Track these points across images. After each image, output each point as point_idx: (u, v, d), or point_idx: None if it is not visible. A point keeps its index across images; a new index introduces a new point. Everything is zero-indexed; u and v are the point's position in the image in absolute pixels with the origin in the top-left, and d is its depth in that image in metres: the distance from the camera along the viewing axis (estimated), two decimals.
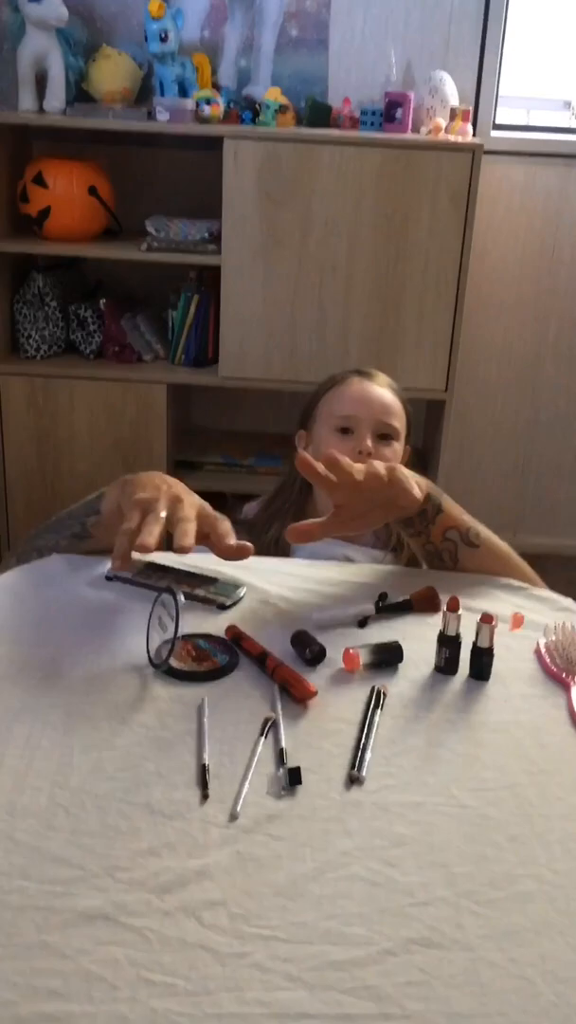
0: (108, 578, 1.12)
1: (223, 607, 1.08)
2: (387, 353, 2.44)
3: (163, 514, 1.02)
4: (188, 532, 1.00)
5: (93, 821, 0.75)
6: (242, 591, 1.11)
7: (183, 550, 0.98)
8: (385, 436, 1.47)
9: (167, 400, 2.51)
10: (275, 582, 1.16)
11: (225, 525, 1.08)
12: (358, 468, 1.08)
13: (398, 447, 1.49)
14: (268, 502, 1.58)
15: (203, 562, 1.16)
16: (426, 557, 1.22)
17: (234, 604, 1.09)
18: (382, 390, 1.50)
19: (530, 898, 0.70)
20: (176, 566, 1.16)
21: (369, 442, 1.44)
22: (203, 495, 1.28)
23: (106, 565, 1.15)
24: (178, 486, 1.11)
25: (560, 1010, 0.62)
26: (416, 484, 1.15)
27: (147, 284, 2.66)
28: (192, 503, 1.08)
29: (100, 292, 2.63)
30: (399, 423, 1.49)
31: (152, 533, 0.98)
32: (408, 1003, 0.61)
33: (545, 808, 0.80)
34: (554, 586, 1.22)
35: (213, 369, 2.52)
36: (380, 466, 1.10)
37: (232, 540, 1.08)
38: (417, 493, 1.13)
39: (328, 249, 2.36)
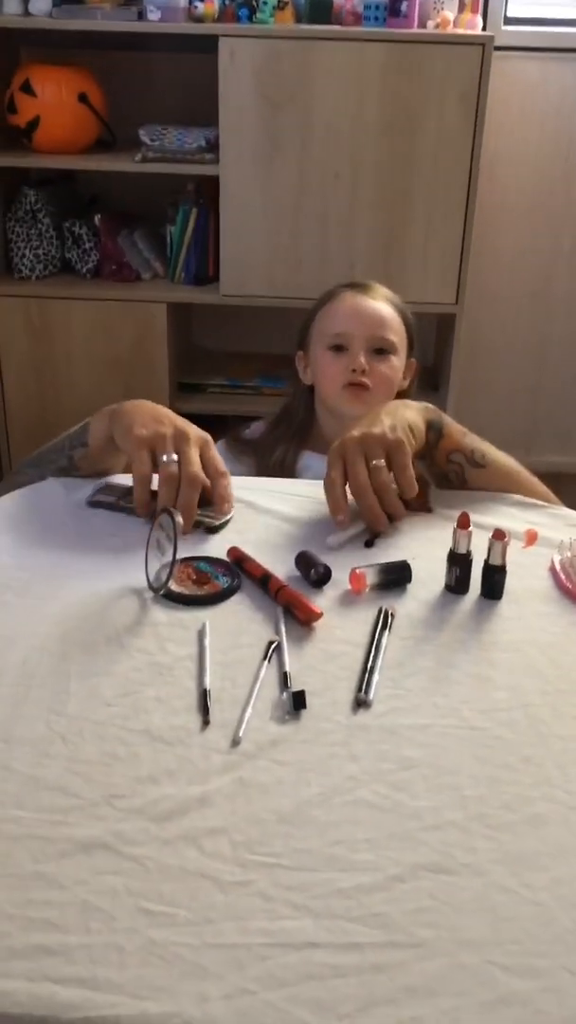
0: (89, 504, 1.08)
1: (212, 529, 1.04)
2: (395, 265, 2.35)
3: (175, 457, 1.01)
4: (191, 503, 1.01)
5: (91, 749, 0.72)
6: (230, 515, 1.07)
7: (184, 527, 0.97)
8: (381, 351, 1.42)
9: (167, 320, 2.43)
10: (280, 502, 1.12)
11: (225, 483, 1.06)
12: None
13: (396, 361, 1.43)
14: (274, 424, 1.54)
15: None
16: (434, 479, 1.18)
17: (223, 525, 1.05)
18: (376, 303, 1.44)
19: (544, 821, 0.68)
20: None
21: (363, 358, 1.39)
22: (206, 418, 1.24)
23: (97, 488, 1.11)
24: (177, 418, 1.08)
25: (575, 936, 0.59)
26: (415, 411, 1.12)
27: (143, 198, 2.56)
28: (198, 439, 1.05)
29: (95, 207, 2.54)
30: (396, 336, 1.43)
31: (187, 508, 1.00)
32: (417, 930, 0.59)
33: (560, 728, 0.77)
34: (567, 504, 1.18)
35: (214, 287, 2.43)
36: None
37: (226, 505, 1.07)
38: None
39: (331, 154, 2.25)
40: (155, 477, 1.03)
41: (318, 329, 1.46)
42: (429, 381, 2.62)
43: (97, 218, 2.45)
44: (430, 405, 1.17)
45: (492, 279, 2.74)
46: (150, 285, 2.50)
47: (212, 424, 1.50)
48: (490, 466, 1.16)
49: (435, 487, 1.18)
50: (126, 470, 1.14)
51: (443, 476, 1.16)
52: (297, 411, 1.51)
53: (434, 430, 1.14)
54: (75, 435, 1.15)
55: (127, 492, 1.09)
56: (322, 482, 1.15)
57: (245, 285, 2.39)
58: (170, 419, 1.07)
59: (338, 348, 1.42)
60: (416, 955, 0.57)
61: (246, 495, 1.13)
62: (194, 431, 1.06)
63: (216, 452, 1.08)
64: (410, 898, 0.61)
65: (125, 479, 1.13)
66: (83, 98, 2.31)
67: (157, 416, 1.06)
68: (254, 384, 2.60)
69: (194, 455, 1.03)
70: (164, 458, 1.01)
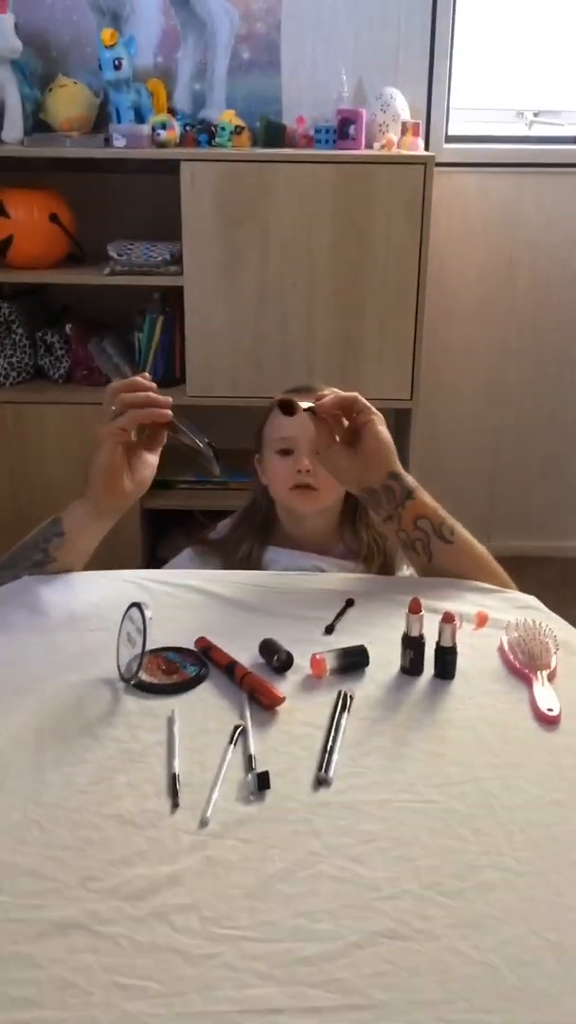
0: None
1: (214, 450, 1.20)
2: (351, 365, 2.47)
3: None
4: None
5: (66, 834, 0.76)
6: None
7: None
8: None
9: None
10: (244, 592, 1.18)
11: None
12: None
13: None
14: (238, 523, 1.61)
15: (178, 580, 1.18)
16: (402, 546, 1.24)
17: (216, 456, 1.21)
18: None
19: (493, 887, 0.72)
20: (152, 587, 1.18)
21: (306, 460, 1.47)
22: (176, 513, 1.32)
23: (79, 582, 1.17)
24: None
25: (523, 993, 0.64)
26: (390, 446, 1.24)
27: (112, 307, 2.68)
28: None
29: (66, 317, 2.65)
30: None
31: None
32: (374, 993, 0.63)
33: (508, 799, 0.82)
34: (527, 588, 1.23)
35: (181, 388, 2.54)
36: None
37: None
38: (383, 448, 1.23)
39: (288, 266, 2.39)
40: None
41: (267, 435, 1.54)
42: None
43: (68, 327, 2.56)
44: (404, 476, 1.24)
45: (445, 374, 2.88)
46: None
47: (179, 520, 1.55)
48: (457, 544, 1.21)
49: (406, 559, 1.24)
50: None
51: (410, 544, 1.22)
52: (259, 509, 1.58)
53: (402, 486, 1.21)
54: (46, 529, 1.21)
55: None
56: (284, 575, 1.23)
57: (210, 386, 2.50)
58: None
59: (285, 452, 1.49)
60: (373, 1016, 0.61)
61: (212, 587, 1.19)
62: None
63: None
64: (368, 963, 0.65)
65: (112, 579, 1.19)
66: (54, 218, 2.45)
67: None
68: (221, 479, 2.68)
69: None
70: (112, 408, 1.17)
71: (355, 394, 1.23)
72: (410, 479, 1.24)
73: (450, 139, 2.73)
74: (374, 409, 1.23)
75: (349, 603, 1.15)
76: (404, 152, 2.43)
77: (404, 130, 2.47)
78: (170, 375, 2.57)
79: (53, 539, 1.20)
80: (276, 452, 1.50)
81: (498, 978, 0.64)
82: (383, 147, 2.43)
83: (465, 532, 1.23)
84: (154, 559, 2.28)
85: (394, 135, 2.45)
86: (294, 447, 1.48)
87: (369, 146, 2.48)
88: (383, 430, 1.23)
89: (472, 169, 2.71)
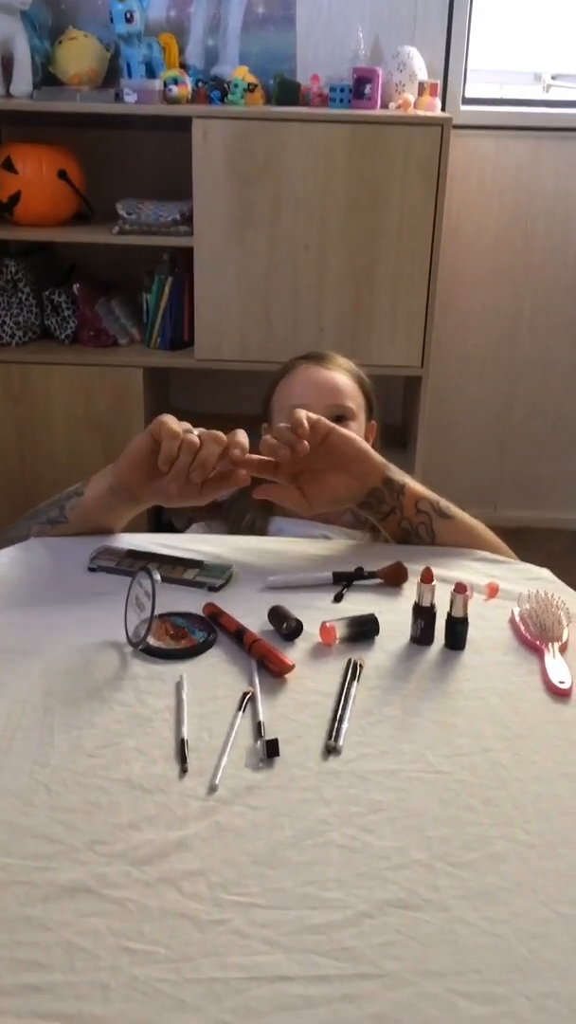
0: (91, 569, 1.13)
1: (214, 589, 1.09)
2: (362, 330, 2.45)
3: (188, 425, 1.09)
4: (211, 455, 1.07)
5: (73, 797, 0.76)
6: (230, 571, 1.12)
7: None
8: (339, 418, 1.46)
9: (144, 383, 2.50)
10: (253, 558, 1.17)
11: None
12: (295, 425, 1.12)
13: (355, 426, 1.49)
14: (242, 490, 1.59)
15: (185, 544, 1.17)
16: (403, 536, 1.23)
17: (224, 585, 1.10)
18: (330, 372, 1.49)
19: (503, 858, 0.72)
20: (160, 551, 1.16)
21: None
22: None
23: (87, 548, 1.15)
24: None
25: (532, 965, 0.63)
26: (372, 458, 1.18)
27: (120, 267, 2.65)
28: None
29: (73, 277, 2.62)
30: (353, 403, 1.48)
31: (208, 458, 1.06)
32: (384, 963, 0.63)
33: (518, 771, 0.81)
34: (534, 559, 1.23)
35: (189, 351, 2.51)
36: (308, 421, 1.13)
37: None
38: (375, 459, 1.17)
39: (300, 227, 2.36)
40: (143, 538, 1.08)
41: (278, 402, 1.51)
42: (397, 440, 2.70)
43: (76, 287, 2.53)
44: (391, 465, 1.22)
45: (457, 341, 2.85)
46: (127, 350, 2.58)
47: None
48: (456, 518, 1.21)
49: (406, 543, 1.23)
50: (101, 530, 1.19)
51: (413, 531, 1.21)
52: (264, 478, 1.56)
53: (396, 482, 1.20)
54: (71, 489, 1.20)
55: (125, 556, 1.14)
56: (293, 541, 1.21)
57: (219, 350, 2.47)
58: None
59: None
60: (383, 985, 0.61)
61: (221, 552, 1.18)
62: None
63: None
64: (377, 933, 0.65)
65: (120, 543, 1.17)
66: (62, 174, 2.41)
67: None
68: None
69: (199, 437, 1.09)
70: (181, 431, 1.08)
71: (298, 416, 1.13)
72: (398, 472, 1.22)
73: (467, 101, 2.68)
74: (325, 420, 1.16)
75: (359, 571, 1.14)
76: (421, 113, 2.38)
77: (421, 90, 2.42)
78: (178, 338, 2.55)
79: (72, 498, 1.19)
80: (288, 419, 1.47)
81: (508, 950, 0.64)
82: (399, 107, 2.39)
83: (456, 508, 1.23)
84: (160, 524, 2.27)
85: (411, 95, 2.40)
86: None
87: (385, 106, 2.43)
88: (347, 432, 1.18)
89: (488, 132, 2.66)
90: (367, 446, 1.20)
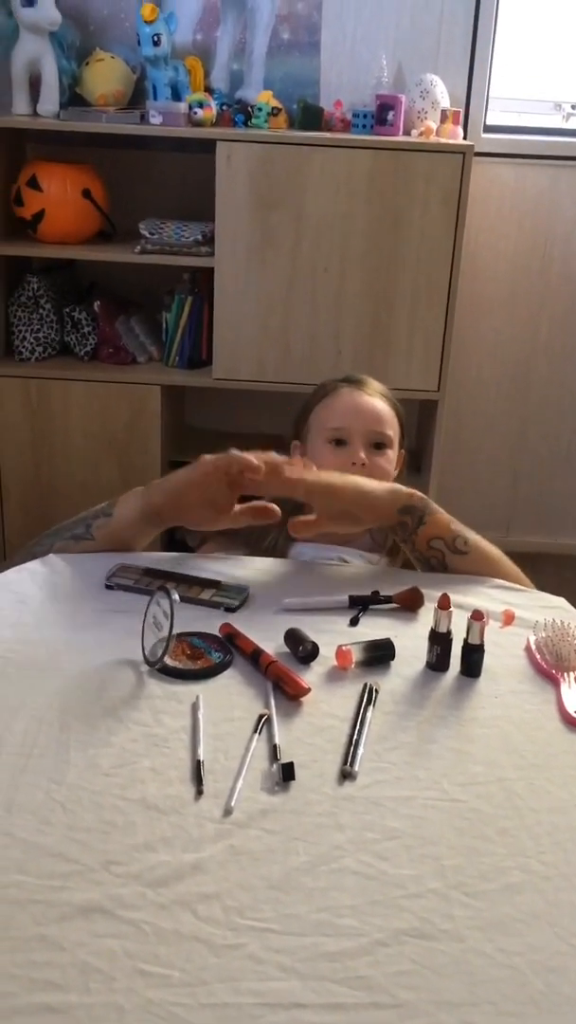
0: (108, 587, 1.13)
1: (230, 609, 1.09)
2: (379, 354, 2.46)
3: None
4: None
5: (89, 816, 0.76)
6: (246, 592, 1.12)
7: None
8: (379, 444, 1.47)
9: (161, 401, 2.52)
10: (270, 580, 1.18)
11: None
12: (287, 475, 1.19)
13: (392, 454, 1.49)
14: None
15: (203, 564, 1.18)
16: (417, 562, 1.24)
17: (241, 605, 1.10)
18: (373, 399, 1.49)
19: (519, 889, 0.72)
20: (177, 571, 1.17)
21: (362, 453, 1.44)
22: None
23: (105, 565, 1.16)
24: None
25: (548, 999, 0.63)
26: (373, 498, 1.21)
27: (141, 286, 2.67)
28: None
29: (94, 294, 2.64)
30: (392, 431, 1.48)
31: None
32: (399, 992, 0.62)
33: (534, 801, 0.81)
34: (546, 585, 1.23)
35: (207, 370, 2.53)
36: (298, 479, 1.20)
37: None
38: (379, 496, 1.20)
39: (320, 251, 2.37)
40: (159, 556, 1.08)
41: (317, 422, 1.50)
42: (412, 464, 2.70)
43: (96, 304, 2.55)
44: (418, 493, 1.23)
45: (473, 366, 2.85)
46: (145, 368, 2.59)
47: None
48: (472, 553, 1.21)
49: (421, 571, 1.24)
50: (127, 547, 1.20)
51: (425, 561, 1.22)
52: (289, 499, 1.56)
53: (414, 517, 1.20)
54: (99, 508, 1.22)
55: (142, 574, 1.14)
56: (310, 564, 1.22)
57: (237, 369, 2.48)
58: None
59: (338, 442, 1.45)
60: (398, 1015, 0.61)
61: (239, 572, 1.18)
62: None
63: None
64: (392, 961, 0.65)
65: (138, 561, 1.18)
66: (86, 193, 2.44)
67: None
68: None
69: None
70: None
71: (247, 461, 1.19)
72: (421, 503, 1.22)
73: (488, 129, 2.70)
74: (294, 473, 1.21)
75: (375, 595, 1.14)
76: (443, 140, 2.40)
77: (443, 118, 2.44)
78: (196, 357, 2.56)
79: (100, 517, 1.20)
80: (328, 441, 1.46)
81: (524, 982, 0.64)
82: (421, 134, 2.40)
83: (477, 539, 1.24)
84: (173, 541, 2.27)
85: (433, 122, 2.42)
86: (348, 438, 1.44)
87: (407, 133, 2.45)
88: (332, 483, 1.22)
89: (509, 160, 2.68)
90: (368, 489, 1.21)
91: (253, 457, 1.16)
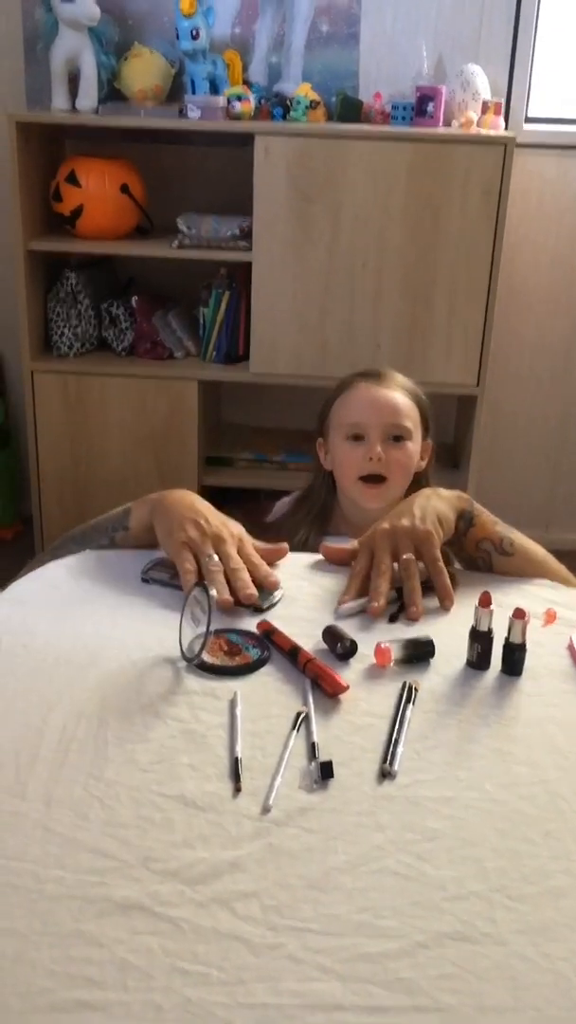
0: (144, 580, 1.13)
1: (260, 610, 1.08)
2: (418, 348, 2.43)
3: (215, 558, 1.08)
4: (247, 583, 1.07)
5: (127, 813, 0.76)
6: (279, 594, 1.11)
7: (249, 598, 1.06)
8: (397, 438, 1.46)
9: (198, 397, 2.52)
10: (306, 578, 1.17)
11: (263, 571, 1.12)
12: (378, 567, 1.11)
13: (411, 446, 1.47)
14: (296, 507, 1.58)
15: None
16: (462, 562, 1.22)
17: (272, 607, 1.09)
18: (390, 392, 1.48)
19: (563, 893, 0.70)
20: None
21: (379, 448, 1.43)
22: (235, 492, 1.30)
23: (141, 560, 1.16)
24: (213, 515, 1.14)
25: None
26: (445, 501, 1.18)
27: (178, 281, 2.68)
28: (233, 538, 1.12)
29: (132, 289, 2.65)
30: (410, 423, 1.47)
31: (226, 589, 1.06)
32: (441, 996, 0.61)
33: None
34: None
35: (244, 365, 2.52)
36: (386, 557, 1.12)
37: (272, 578, 1.12)
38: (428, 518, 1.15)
39: (359, 245, 2.36)
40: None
41: (335, 419, 1.50)
42: (450, 459, 2.67)
43: (134, 299, 2.56)
44: (463, 494, 1.22)
45: (513, 361, 2.82)
46: (182, 363, 2.60)
47: (239, 497, 1.51)
48: (518, 554, 1.20)
49: (463, 570, 1.22)
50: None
51: (471, 562, 1.21)
52: (319, 495, 1.55)
53: (464, 519, 1.19)
54: (116, 518, 1.21)
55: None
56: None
57: (274, 365, 2.48)
58: (206, 516, 1.13)
59: (356, 437, 1.45)
60: (440, 1020, 0.60)
61: (276, 571, 1.17)
62: (229, 529, 1.13)
63: (251, 547, 1.14)
64: (434, 964, 0.64)
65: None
66: (124, 189, 2.44)
67: (195, 514, 1.12)
68: (280, 459, 2.66)
69: (232, 552, 1.10)
70: (205, 560, 1.07)
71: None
72: (467, 503, 1.21)
73: (530, 120, 2.66)
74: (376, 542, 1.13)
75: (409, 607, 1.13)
76: (484, 131, 2.37)
77: (485, 109, 2.41)
78: (233, 352, 2.56)
79: (120, 531, 1.20)
80: (346, 437, 1.47)
81: (569, 988, 0.62)
82: (462, 126, 2.38)
83: (524, 539, 1.22)
84: None
85: (474, 113, 2.39)
86: (365, 433, 1.45)
87: (447, 124, 2.43)
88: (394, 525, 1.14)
89: (551, 151, 2.64)
90: (443, 512, 1.17)
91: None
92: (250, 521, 1.59)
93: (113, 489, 2.55)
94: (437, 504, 1.17)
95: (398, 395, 1.48)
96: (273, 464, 2.66)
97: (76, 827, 0.74)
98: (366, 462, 1.43)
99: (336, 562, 1.19)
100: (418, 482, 1.49)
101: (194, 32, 2.37)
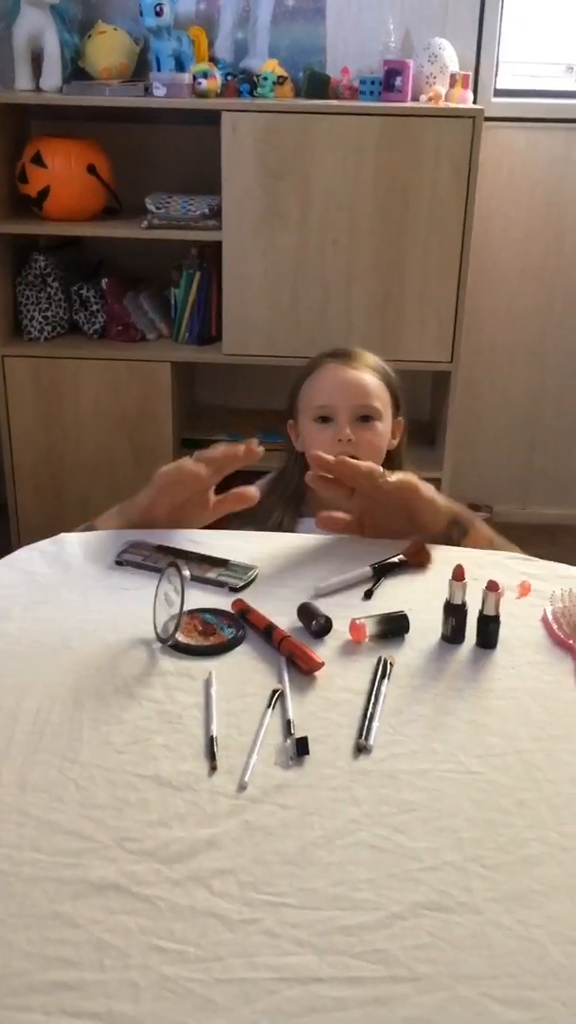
0: (118, 563, 1.13)
1: (235, 589, 1.08)
2: (391, 325, 2.43)
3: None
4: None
5: (103, 794, 0.76)
6: (254, 573, 1.11)
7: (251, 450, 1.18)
8: (366, 418, 1.45)
9: (171, 378, 2.50)
10: (280, 556, 1.16)
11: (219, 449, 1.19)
12: (359, 466, 1.15)
13: (381, 426, 1.46)
14: (270, 490, 1.58)
15: (215, 540, 1.17)
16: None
17: (246, 586, 1.09)
18: (358, 372, 1.47)
19: (538, 861, 0.71)
20: (187, 549, 1.16)
21: (348, 429, 1.42)
22: None
23: (115, 543, 1.15)
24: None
25: (568, 970, 0.62)
26: (438, 504, 1.19)
27: (149, 262, 2.65)
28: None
29: (102, 271, 2.62)
30: (379, 403, 1.46)
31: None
32: (417, 966, 0.62)
33: (552, 773, 0.80)
34: (565, 556, 1.21)
35: (217, 346, 2.51)
36: (374, 469, 1.16)
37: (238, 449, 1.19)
38: (441, 504, 1.17)
39: (329, 221, 2.34)
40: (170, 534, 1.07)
41: (304, 401, 1.49)
42: (426, 436, 2.68)
43: (104, 282, 2.53)
44: (460, 504, 1.23)
45: (486, 336, 2.82)
46: (155, 345, 2.58)
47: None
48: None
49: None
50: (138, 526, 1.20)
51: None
52: (292, 477, 1.54)
53: (460, 528, 1.20)
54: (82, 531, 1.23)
55: (153, 551, 1.13)
56: (322, 538, 1.20)
57: (246, 345, 2.47)
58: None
59: (324, 419, 1.45)
60: (416, 989, 0.60)
61: (250, 548, 1.17)
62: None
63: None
64: (410, 935, 0.64)
65: (150, 537, 1.17)
66: (91, 169, 2.41)
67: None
68: (255, 440, 2.65)
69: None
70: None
71: (368, 467, 1.16)
72: (466, 515, 1.23)
73: (499, 93, 2.65)
74: (391, 476, 1.16)
75: (388, 568, 1.13)
76: (452, 105, 2.36)
77: (452, 82, 2.40)
78: (206, 333, 2.54)
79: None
80: (314, 419, 1.46)
81: (543, 955, 0.63)
82: (430, 100, 2.36)
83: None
84: None
85: (442, 87, 2.38)
86: (333, 415, 1.44)
87: (415, 98, 2.41)
88: (406, 482, 1.16)
89: (520, 124, 2.63)
90: (431, 495, 1.18)
91: (200, 455, 1.17)
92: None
93: (88, 473, 2.54)
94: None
95: (366, 375, 1.47)
96: None
97: (51, 809, 0.74)
98: (335, 444, 1.42)
99: (335, 531, 1.19)
100: (391, 460, 1.49)
101: (158, 8, 2.34)
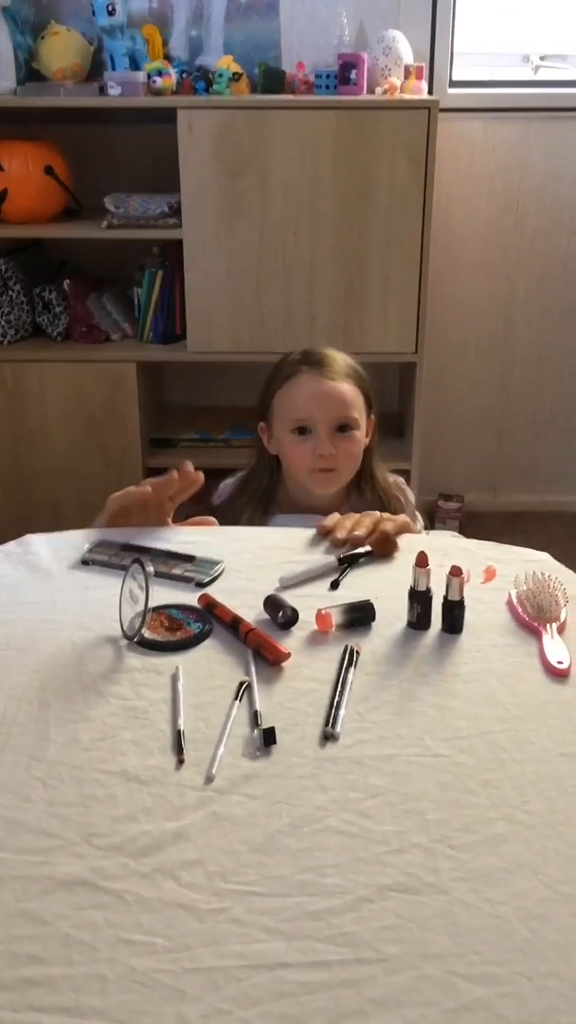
0: (84, 562, 1.12)
1: (201, 584, 1.08)
2: (354, 318, 2.43)
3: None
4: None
5: (70, 791, 0.76)
6: (220, 567, 1.11)
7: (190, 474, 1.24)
8: (344, 427, 1.43)
9: (137, 378, 2.49)
10: (246, 550, 1.17)
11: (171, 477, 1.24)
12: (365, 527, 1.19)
13: (358, 434, 1.45)
14: (239, 491, 1.57)
15: (182, 537, 1.17)
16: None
17: (212, 580, 1.09)
18: (335, 383, 1.43)
19: (503, 839, 0.71)
20: (153, 546, 1.16)
21: (327, 444, 1.41)
22: None
23: (81, 543, 1.15)
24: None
25: (533, 945, 0.63)
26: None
27: (111, 262, 2.64)
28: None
29: (64, 273, 2.61)
30: (357, 412, 1.44)
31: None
32: (384, 947, 0.62)
33: (517, 752, 0.81)
34: (534, 543, 1.22)
35: (182, 345, 2.50)
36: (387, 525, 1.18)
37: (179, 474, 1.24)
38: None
39: (289, 216, 2.34)
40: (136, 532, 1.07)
41: (280, 409, 1.46)
42: (394, 427, 2.68)
43: (66, 283, 2.52)
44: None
45: (451, 326, 2.83)
46: (120, 345, 2.57)
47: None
48: None
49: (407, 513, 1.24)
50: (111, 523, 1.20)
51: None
52: (262, 478, 1.52)
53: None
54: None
55: (119, 549, 1.13)
56: (288, 531, 1.21)
57: (212, 342, 2.46)
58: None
59: (302, 430, 1.43)
60: (383, 969, 0.61)
61: (218, 542, 1.17)
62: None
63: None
64: (377, 917, 0.64)
65: (116, 536, 1.17)
66: (49, 170, 2.40)
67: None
68: (224, 437, 2.65)
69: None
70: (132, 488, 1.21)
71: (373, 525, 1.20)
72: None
73: (454, 84, 2.66)
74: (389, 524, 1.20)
75: (354, 558, 1.13)
76: (407, 96, 2.36)
77: (407, 74, 2.40)
78: (170, 332, 2.54)
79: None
80: (292, 431, 1.43)
81: (509, 931, 0.64)
82: (385, 92, 2.37)
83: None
84: None
85: (397, 79, 2.39)
86: (312, 427, 1.41)
87: (371, 91, 2.41)
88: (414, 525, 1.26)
89: (477, 115, 2.64)
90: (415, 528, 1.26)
91: (144, 481, 1.22)
92: (197, 503, 1.58)
93: (57, 476, 2.52)
94: None
95: (343, 385, 1.44)
96: (218, 442, 2.65)
97: (18, 809, 0.74)
98: (316, 458, 1.41)
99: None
100: (364, 457, 1.48)
101: (110, 7, 2.32)
